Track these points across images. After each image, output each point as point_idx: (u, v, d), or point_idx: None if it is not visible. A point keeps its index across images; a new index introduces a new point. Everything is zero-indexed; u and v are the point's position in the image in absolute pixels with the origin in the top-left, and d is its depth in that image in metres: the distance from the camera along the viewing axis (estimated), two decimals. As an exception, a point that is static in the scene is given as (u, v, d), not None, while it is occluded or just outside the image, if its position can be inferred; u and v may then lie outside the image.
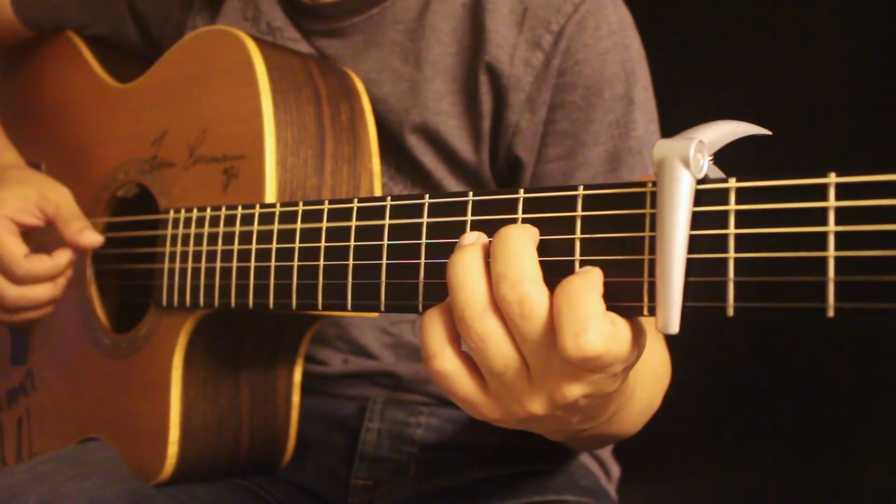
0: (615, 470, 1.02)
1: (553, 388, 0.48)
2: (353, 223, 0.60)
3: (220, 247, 0.73)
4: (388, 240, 0.58)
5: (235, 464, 0.86)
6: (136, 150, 0.89)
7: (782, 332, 1.17)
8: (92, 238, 0.87)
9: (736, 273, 0.43)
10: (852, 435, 1.16)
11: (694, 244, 0.44)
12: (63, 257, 0.86)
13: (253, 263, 0.69)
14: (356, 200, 0.61)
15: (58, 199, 0.88)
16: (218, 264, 0.73)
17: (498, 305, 0.48)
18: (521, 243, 0.48)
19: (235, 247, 0.71)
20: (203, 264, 0.75)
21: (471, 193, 0.54)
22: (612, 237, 0.48)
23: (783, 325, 1.12)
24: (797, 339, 1.17)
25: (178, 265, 0.78)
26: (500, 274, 0.47)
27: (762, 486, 1.23)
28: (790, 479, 1.21)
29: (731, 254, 0.44)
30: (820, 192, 0.41)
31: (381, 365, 0.93)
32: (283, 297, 0.66)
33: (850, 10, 1.14)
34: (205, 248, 0.75)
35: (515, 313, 0.47)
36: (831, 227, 0.41)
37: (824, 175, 0.41)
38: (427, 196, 0.56)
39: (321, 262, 0.62)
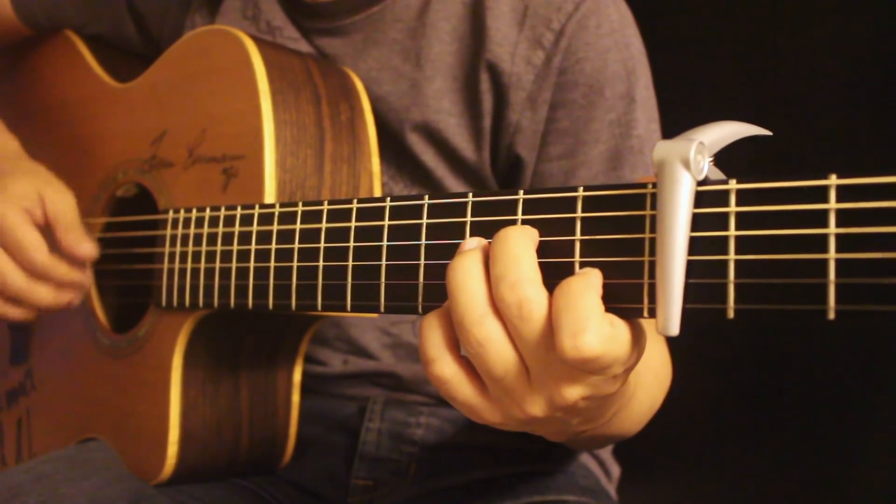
0: (615, 470, 1.02)
1: (552, 390, 0.48)
2: (353, 224, 0.60)
3: (219, 247, 0.73)
4: (388, 241, 0.58)
5: (235, 464, 0.86)
6: (135, 150, 0.89)
7: (782, 333, 1.17)
8: (88, 250, 0.85)
9: (736, 275, 0.43)
10: (852, 435, 1.16)
11: (694, 246, 0.44)
12: (77, 273, 0.85)
13: (252, 264, 0.69)
14: (356, 201, 0.60)
15: (62, 202, 0.86)
16: (217, 265, 0.73)
17: (497, 307, 0.47)
18: (520, 245, 0.48)
19: (235, 247, 0.71)
20: (202, 265, 0.75)
21: (470, 194, 0.54)
22: (612, 238, 0.48)
23: (783, 326, 1.12)
24: (797, 341, 1.17)
25: (177, 265, 0.78)
26: (498, 276, 0.47)
27: (762, 486, 1.22)
28: (790, 479, 1.21)
29: (732, 255, 0.43)
30: (821, 194, 0.41)
31: (380, 365, 0.93)
32: (283, 298, 0.66)
33: (849, 12, 1.14)
34: (204, 248, 0.75)
35: (514, 315, 0.47)
36: (832, 229, 0.41)
37: (825, 177, 0.41)
38: (426, 197, 0.56)
39: (320, 263, 0.62)
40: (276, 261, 0.66)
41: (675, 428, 0.96)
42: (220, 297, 0.72)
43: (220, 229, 0.73)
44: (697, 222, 0.44)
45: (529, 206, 0.51)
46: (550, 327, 0.46)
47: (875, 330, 1.06)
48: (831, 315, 0.40)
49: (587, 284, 0.46)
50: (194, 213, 0.77)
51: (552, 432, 0.54)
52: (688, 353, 0.79)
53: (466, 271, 0.48)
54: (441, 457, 0.92)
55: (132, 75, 0.93)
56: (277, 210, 0.67)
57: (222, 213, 0.73)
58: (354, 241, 0.60)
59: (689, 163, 0.43)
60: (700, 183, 0.45)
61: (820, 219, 0.41)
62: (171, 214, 0.80)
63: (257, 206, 0.70)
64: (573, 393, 0.47)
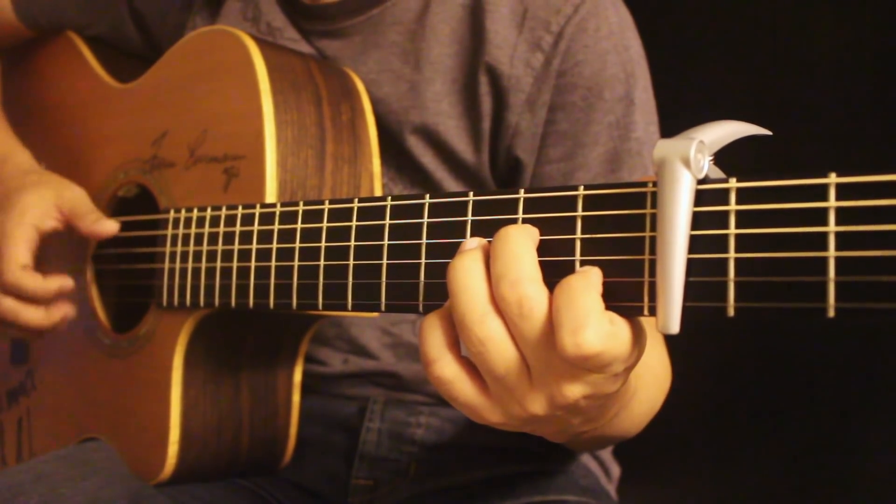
0: (615, 470, 1.02)
1: (553, 388, 0.48)
2: (354, 223, 0.60)
3: (220, 247, 0.73)
4: (389, 240, 0.58)
5: (235, 464, 0.86)
6: (137, 151, 0.89)
7: (782, 332, 1.17)
8: (108, 226, 0.86)
9: (736, 273, 0.43)
10: (852, 435, 1.16)
11: (694, 244, 0.44)
12: (53, 283, 0.85)
13: (253, 263, 0.69)
14: (356, 200, 0.61)
15: (73, 196, 0.88)
16: (218, 264, 0.73)
17: (498, 306, 0.48)
18: (520, 244, 0.48)
19: (236, 247, 0.71)
20: (203, 264, 0.75)
21: (471, 194, 0.54)
22: (613, 237, 0.48)
23: (783, 324, 1.12)
24: (797, 339, 1.17)
25: (178, 265, 0.78)
26: (499, 274, 0.47)
27: (762, 486, 1.23)
28: (790, 479, 1.21)
29: (732, 254, 0.44)
30: (820, 193, 0.41)
31: (381, 365, 0.93)
32: (284, 297, 0.66)
33: (849, 10, 1.14)
34: (205, 247, 0.75)
35: (515, 313, 0.47)
36: (832, 227, 0.41)
37: (825, 175, 0.41)
38: (427, 196, 0.56)
39: (321, 262, 0.62)
40: (277, 260, 0.67)
41: (675, 428, 0.96)
42: (221, 297, 0.72)
43: (221, 229, 0.73)
44: (697, 221, 0.45)
45: (530, 205, 0.51)
46: (551, 325, 0.46)
47: (875, 328, 1.06)
48: (831, 313, 0.40)
49: (587, 282, 0.46)
50: (195, 213, 0.77)
51: (553, 432, 0.54)
52: (688, 352, 0.79)
53: (467, 270, 0.48)
54: (441, 457, 0.92)
55: (133, 76, 0.94)
56: (278, 209, 0.67)
57: (223, 212, 0.73)
58: (355, 241, 0.60)
59: (689, 161, 0.44)
60: (700, 181, 0.45)
61: (820, 217, 0.41)
62: (172, 214, 0.80)
63: (258, 206, 0.70)
64: (574, 391, 0.48)
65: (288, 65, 0.81)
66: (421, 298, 0.56)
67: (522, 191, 0.52)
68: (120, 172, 0.92)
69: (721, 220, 0.44)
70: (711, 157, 0.45)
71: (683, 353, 0.78)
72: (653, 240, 0.46)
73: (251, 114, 0.77)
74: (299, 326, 0.87)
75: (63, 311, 0.87)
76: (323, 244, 0.62)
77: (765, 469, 1.23)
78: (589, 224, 0.49)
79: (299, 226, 0.65)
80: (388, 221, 0.58)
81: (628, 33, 0.87)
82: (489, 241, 0.49)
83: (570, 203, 0.50)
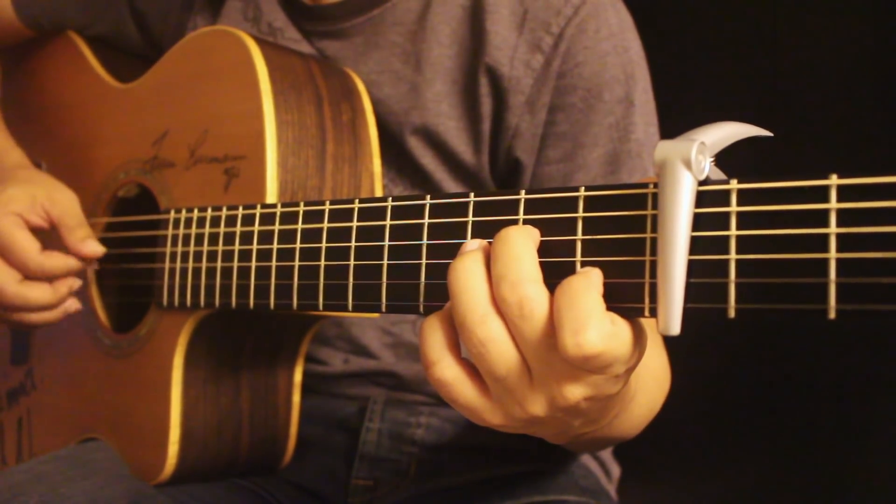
0: (615, 470, 1.02)
1: (554, 389, 0.48)
2: (355, 224, 0.60)
3: (220, 247, 0.73)
4: (390, 240, 0.58)
5: (236, 464, 0.86)
6: (137, 151, 0.89)
7: (783, 332, 1.17)
8: (93, 248, 0.86)
9: (737, 274, 0.43)
10: (852, 435, 1.16)
11: (695, 245, 0.44)
12: (76, 261, 0.85)
13: (254, 264, 0.69)
14: (357, 201, 0.60)
15: (64, 203, 0.87)
16: (219, 264, 0.73)
17: (498, 307, 0.48)
18: (521, 245, 0.48)
19: (236, 247, 0.71)
20: (204, 264, 0.75)
21: (472, 194, 0.54)
22: (614, 238, 0.48)
23: (784, 326, 1.12)
24: (798, 340, 1.17)
25: (178, 265, 0.78)
26: (500, 275, 0.47)
27: (762, 486, 1.23)
28: (790, 479, 1.21)
29: (733, 255, 0.44)
30: (821, 194, 0.41)
31: (381, 364, 0.93)
32: (284, 298, 0.66)
33: (849, 12, 1.14)
34: (205, 248, 0.75)
35: (515, 314, 0.47)
36: (833, 228, 0.41)
37: (826, 177, 0.41)
38: (428, 197, 0.56)
39: (322, 263, 0.62)
40: (277, 260, 0.67)
41: (675, 428, 0.96)
42: (222, 297, 0.72)
43: (222, 229, 0.73)
44: (698, 222, 0.45)
45: (531, 206, 0.51)
46: (552, 326, 0.46)
47: (875, 330, 1.06)
48: (832, 314, 0.40)
49: (588, 283, 0.46)
50: (196, 213, 0.77)
51: (553, 434, 0.54)
52: (688, 353, 0.79)
53: (468, 271, 0.48)
54: (441, 457, 0.92)
55: (134, 76, 0.94)
56: (279, 210, 0.67)
57: (224, 212, 0.73)
58: (356, 241, 0.60)
59: (690, 163, 0.44)
60: (701, 183, 0.45)
61: (821, 218, 0.41)
62: (172, 214, 0.80)
63: (259, 206, 0.70)
64: (575, 393, 0.47)
65: (289, 65, 0.81)
66: (421, 299, 0.56)
67: (523, 192, 0.52)
68: (120, 172, 0.92)
69: (722, 221, 0.44)
70: (712, 159, 0.45)
71: (684, 353, 0.78)
72: (654, 241, 0.46)
73: (252, 114, 0.77)
74: (300, 327, 0.87)
75: (68, 283, 0.86)
76: (324, 245, 0.62)
77: (765, 469, 1.23)
78: (590, 225, 0.49)
79: (300, 226, 0.65)
80: (388, 222, 0.58)
81: (628, 34, 0.87)
82: (490, 243, 0.49)
83: (570, 204, 0.50)
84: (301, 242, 0.65)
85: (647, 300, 0.46)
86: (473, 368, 0.50)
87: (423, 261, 0.56)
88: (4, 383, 1.06)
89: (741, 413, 1.26)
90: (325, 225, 0.63)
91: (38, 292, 0.85)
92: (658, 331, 0.45)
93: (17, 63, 1.12)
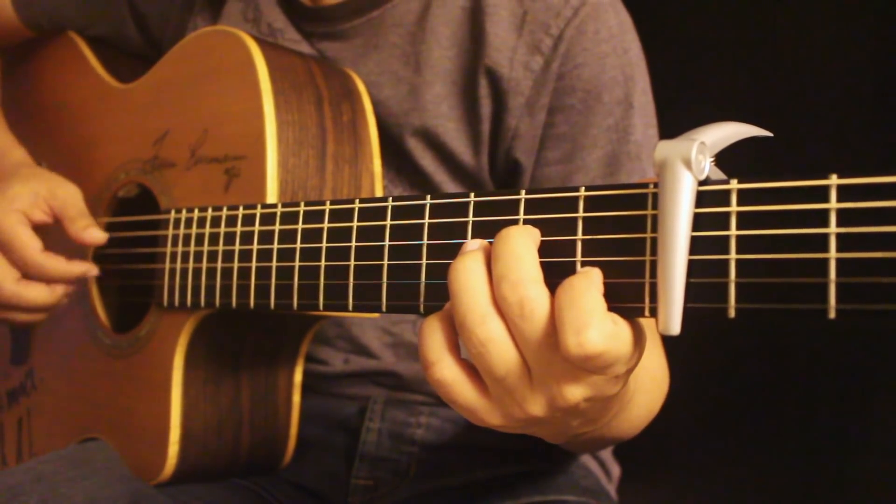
0: (615, 470, 1.02)
1: (554, 389, 0.48)
2: (355, 224, 0.60)
3: (221, 247, 0.73)
4: (390, 240, 0.58)
5: (236, 464, 0.86)
6: (137, 151, 0.89)
7: (783, 333, 1.17)
8: (96, 235, 0.87)
9: (737, 274, 0.43)
10: (852, 435, 1.16)
11: (695, 245, 0.45)
12: (77, 267, 0.86)
13: (254, 264, 0.69)
14: (358, 201, 0.61)
15: (66, 196, 0.88)
16: (219, 264, 0.73)
17: (499, 307, 0.48)
18: (521, 244, 0.48)
19: (237, 247, 0.71)
20: (204, 264, 0.75)
21: (472, 194, 0.54)
22: (614, 238, 0.48)
23: (784, 326, 1.12)
24: (798, 340, 1.17)
25: (179, 265, 0.78)
26: (500, 275, 0.47)
27: (762, 486, 1.23)
28: (790, 479, 1.21)
29: (733, 255, 0.44)
30: (821, 194, 0.41)
31: (381, 364, 0.93)
32: (285, 298, 0.66)
33: (850, 11, 1.14)
34: (206, 248, 0.75)
35: (516, 314, 0.47)
36: (833, 228, 0.41)
37: (826, 176, 0.41)
38: (429, 197, 0.56)
39: (322, 263, 0.62)
40: (277, 260, 0.67)
41: (675, 428, 0.96)
42: (222, 297, 0.72)
43: (222, 229, 0.73)
44: (698, 222, 0.45)
45: (531, 206, 0.51)
46: (552, 327, 0.46)
47: (875, 330, 1.06)
48: (832, 314, 0.41)
49: (589, 282, 0.46)
50: (196, 213, 0.77)
51: (551, 434, 0.54)
52: (688, 353, 0.79)
53: (468, 271, 0.48)
54: (441, 457, 0.92)
55: (134, 76, 0.94)
56: (279, 210, 0.67)
57: (224, 213, 0.73)
58: (356, 241, 0.60)
59: (690, 163, 0.44)
60: (701, 183, 0.45)
61: (821, 218, 0.41)
62: (172, 214, 0.80)
63: (259, 206, 0.70)
64: (575, 393, 0.48)
65: (289, 65, 0.81)
66: (422, 299, 0.56)
67: (523, 192, 0.52)
68: (121, 172, 0.92)
69: (722, 221, 0.44)
70: (712, 159, 0.45)
71: (684, 353, 0.78)
72: (654, 241, 0.46)
73: (252, 114, 0.77)
74: (300, 327, 0.87)
75: (65, 286, 0.87)
76: (324, 245, 0.63)
77: (764, 469, 1.23)
78: (590, 225, 0.49)
79: (300, 226, 0.65)
80: (389, 222, 0.58)
81: (627, 36, 0.87)
82: (490, 243, 0.49)
83: (571, 204, 0.50)
84: (301, 242, 0.65)
85: (647, 300, 0.46)
86: (473, 369, 0.50)
87: (424, 261, 0.56)
88: (4, 383, 1.06)
89: (741, 413, 1.26)
90: (326, 225, 0.63)
91: (34, 293, 0.85)
92: (658, 331, 0.45)
93: (18, 63, 1.12)
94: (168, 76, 0.89)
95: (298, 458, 0.91)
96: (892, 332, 1.02)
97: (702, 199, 0.45)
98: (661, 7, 1.18)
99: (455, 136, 0.87)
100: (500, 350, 0.48)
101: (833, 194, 0.41)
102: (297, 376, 0.89)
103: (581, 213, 0.49)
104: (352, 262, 0.60)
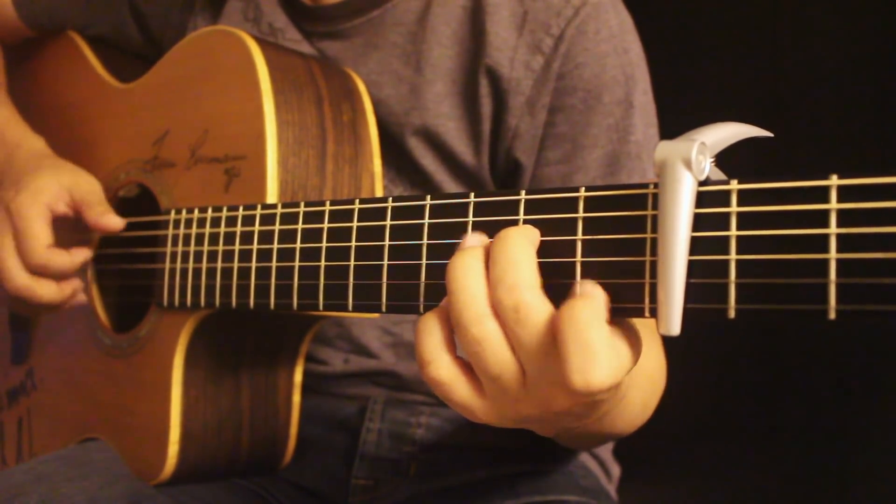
0: (615, 470, 1.02)
1: (547, 393, 0.47)
2: (355, 224, 0.60)
3: (221, 247, 0.73)
4: (390, 240, 0.58)
5: (236, 464, 0.86)
6: (138, 150, 0.89)
7: (783, 332, 1.17)
8: (114, 221, 0.87)
9: (737, 275, 0.43)
10: (852, 435, 1.16)
11: (695, 246, 0.44)
12: (79, 256, 0.86)
13: (254, 264, 0.69)
14: (358, 201, 0.61)
15: (87, 186, 0.88)
16: (219, 265, 0.73)
17: (495, 309, 0.47)
18: (519, 248, 0.47)
19: (237, 247, 0.71)
20: (204, 264, 0.75)
21: (472, 194, 0.54)
22: (614, 238, 0.48)
23: (784, 326, 1.13)
24: (798, 340, 1.17)
25: (179, 265, 0.78)
26: (497, 278, 0.47)
27: (762, 486, 1.23)
28: (790, 480, 1.21)
29: (733, 255, 0.44)
30: (822, 194, 0.41)
31: (381, 364, 0.93)
32: (285, 298, 0.66)
33: (850, 10, 1.14)
34: (206, 248, 0.75)
35: (511, 319, 0.46)
36: (833, 229, 0.41)
37: (826, 177, 0.41)
38: (429, 197, 0.56)
39: (322, 263, 0.62)
40: (277, 260, 0.67)
41: (675, 428, 0.96)
42: (222, 297, 0.72)
43: (222, 229, 0.73)
44: (699, 222, 0.45)
45: (531, 207, 0.51)
46: (549, 335, 0.46)
47: (875, 330, 1.06)
48: (832, 315, 0.40)
49: (595, 313, 0.45)
50: (196, 214, 0.77)
51: (542, 429, 0.54)
52: (688, 352, 0.79)
53: (466, 269, 0.48)
54: (441, 457, 0.92)
55: (134, 76, 0.94)
56: (279, 210, 0.67)
57: (224, 213, 0.73)
58: (356, 241, 0.60)
59: (690, 163, 0.44)
60: (701, 183, 0.45)
61: (821, 219, 0.41)
62: (172, 215, 0.80)
63: (259, 207, 0.70)
64: (567, 399, 0.47)
65: (289, 65, 0.81)
66: (422, 299, 0.56)
67: (523, 192, 0.51)
68: (121, 172, 0.92)
69: (722, 221, 0.44)
70: (713, 159, 0.45)
71: (683, 353, 0.78)
72: (654, 241, 0.46)
73: (252, 114, 0.77)
74: (300, 327, 0.87)
75: (73, 284, 0.87)
76: (324, 245, 0.63)
77: (765, 469, 1.23)
78: (590, 225, 0.49)
79: (300, 226, 0.65)
80: (389, 222, 0.58)
81: (628, 36, 0.87)
82: (490, 238, 0.49)
83: (571, 204, 0.50)
84: (301, 242, 0.65)
85: (647, 300, 0.46)
86: (469, 368, 0.50)
87: (424, 261, 0.56)
88: (4, 383, 1.06)
89: (741, 413, 1.26)
90: (326, 225, 0.63)
91: (46, 289, 0.85)
92: (658, 331, 0.45)
93: (18, 63, 1.12)
94: (168, 76, 0.89)
95: (298, 458, 0.91)
96: (892, 331, 1.02)
97: (702, 199, 0.45)
98: (661, 7, 1.18)
99: (455, 135, 0.87)
100: (495, 350, 0.47)
101: (833, 194, 0.41)
102: (298, 376, 0.89)
103: (581, 214, 0.49)
104: (352, 263, 0.60)
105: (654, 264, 0.46)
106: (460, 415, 0.92)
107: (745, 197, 0.44)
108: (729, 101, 1.20)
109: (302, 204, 0.65)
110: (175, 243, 0.79)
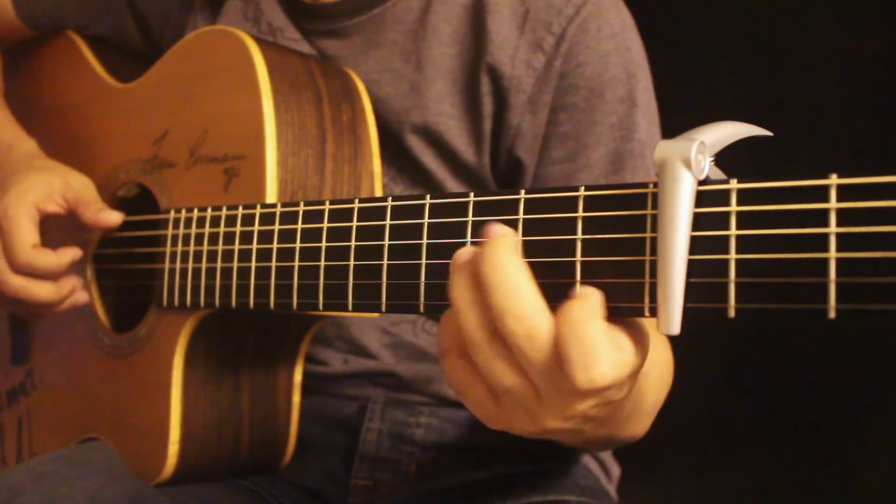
0: (615, 470, 1.02)
1: (565, 404, 0.47)
2: (354, 223, 0.60)
3: (220, 247, 0.73)
4: (390, 240, 0.58)
5: (236, 464, 0.86)
6: (137, 150, 0.89)
7: (783, 333, 1.17)
8: (111, 217, 0.86)
9: (737, 274, 0.43)
10: (852, 435, 1.16)
11: (695, 245, 0.44)
12: (66, 255, 0.85)
13: (254, 264, 0.69)
14: (357, 201, 0.61)
15: (80, 186, 0.88)
16: (219, 264, 0.73)
17: (504, 336, 0.47)
18: (515, 271, 0.46)
19: (236, 247, 0.71)
20: (204, 264, 0.75)
21: (472, 194, 0.54)
22: (614, 238, 0.48)
23: (784, 325, 1.12)
24: (798, 340, 1.17)
25: (178, 265, 0.78)
26: (502, 308, 0.46)
27: (763, 486, 1.23)
28: (790, 479, 1.21)
29: (733, 255, 0.44)
30: (821, 194, 0.41)
31: (381, 365, 0.93)
32: (284, 298, 0.66)
33: (850, 10, 1.14)
34: (205, 248, 0.75)
35: (524, 345, 0.46)
36: (832, 228, 0.41)
37: (825, 176, 0.41)
38: (428, 196, 0.56)
39: (322, 263, 0.62)
40: (277, 260, 0.67)
41: (675, 428, 0.96)
42: (222, 297, 0.72)
43: (222, 229, 0.73)
44: (698, 222, 0.45)
45: (531, 206, 0.51)
46: (555, 346, 0.46)
47: (875, 329, 1.06)
48: (832, 314, 0.40)
49: (590, 311, 0.45)
50: (196, 213, 0.77)
51: (567, 438, 0.55)
52: (688, 352, 0.79)
53: (463, 296, 0.47)
54: (441, 457, 0.92)
55: (134, 75, 0.94)
56: (279, 210, 0.67)
57: (224, 212, 0.73)
58: (356, 241, 0.60)
59: (690, 162, 0.44)
60: (701, 182, 0.45)
61: (820, 218, 0.41)
62: (172, 214, 0.80)
63: (259, 206, 0.70)
64: (584, 405, 0.48)
65: (289, 65, 0.81)
66: (422, 299, 0.56)
67: (523, 191, 0.51)
68: (120, 172, 0.92)
69: (722, 221, 0.44)
70: (712, 158, 0.45)
71: (683, 353, 0.78)
72: (653, 241, 0.46)
73: (252, 114, 0.77)
74: (300, 327, 0.87)
75: (72, 283, 0.87)
76: (323, 244, 0.62)
77: (765, 469, 1.23)
78: (590, 225, 0.49)
79: (300, 226, 0.65)
80: (388, 222, 0.58)
81: (629, 34, 0.87)
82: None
83: (570, 204, 0.50)
84: (301, 242, 0.65)
85: (646, 300, 0.46)
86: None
87: (423, 261, 0.56)
88: (4, 383, 1.06)
89: (741, 413, 1.26)
90: (325, 225, 0.63)
91: (42, 289, 0.85)
92: (658, 331, 0.45)
93: (18, 63, 1.12)
94: (167, 76, 0.89)
95: (298, 458, 0.91)
96: (892, 332, 1.02)
97: (702, 198, 0.45)
98: (662, 6, 1.18)
99: (456, 133, 0.87)
100: (504, 369, 0.47)
101: (833, 194, 0.41)
102: (297, 376, 0.89)
103: (581, 213, 0.49)
104: (351, 262, 0.60)
105: (653, 264, 0.46)
106: (460, 415, 0.93)
107: (744, 196, 0.44)
108: (729, 100, 1.20)
109: (301, 203, 0.65)
110: (175, 243, 0.79)
